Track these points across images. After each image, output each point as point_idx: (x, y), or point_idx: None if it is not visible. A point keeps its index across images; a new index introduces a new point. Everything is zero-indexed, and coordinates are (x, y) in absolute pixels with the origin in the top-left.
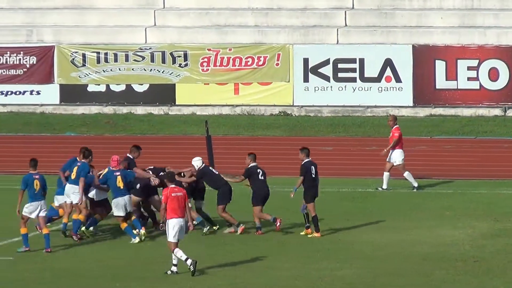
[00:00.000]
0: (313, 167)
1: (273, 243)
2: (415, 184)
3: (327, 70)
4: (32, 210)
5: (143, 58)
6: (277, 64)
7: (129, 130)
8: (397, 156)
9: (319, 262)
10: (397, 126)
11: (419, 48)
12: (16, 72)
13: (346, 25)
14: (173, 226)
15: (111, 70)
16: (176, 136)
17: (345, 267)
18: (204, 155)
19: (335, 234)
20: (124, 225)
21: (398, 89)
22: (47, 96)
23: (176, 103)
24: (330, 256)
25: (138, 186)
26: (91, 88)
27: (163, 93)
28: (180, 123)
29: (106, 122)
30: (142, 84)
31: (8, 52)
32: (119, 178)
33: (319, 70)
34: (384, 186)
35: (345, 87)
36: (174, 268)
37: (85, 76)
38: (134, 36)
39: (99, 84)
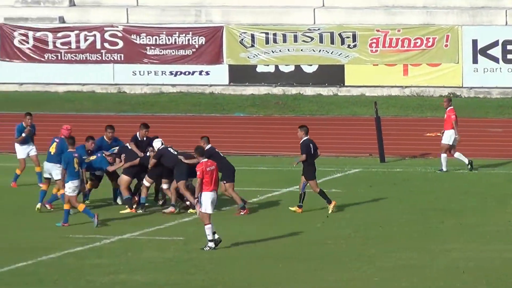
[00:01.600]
0: (311, 144)
1: (445, 226)
2: (444, 169)
3: (496, 52)
4: (74, 188)
5: (312, 39)
6: (446, 45)
7: (298, 111)
8: (447, 136)
9: (489, 244)
10: (452, 107)
11: None
12: (185, 53)
13: None
14: (208, 198)
15: (280, 50)
16: (345, 117)
17: None
18: (371, 136)
19: (505, 216)
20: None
21: None
22: (216, 77)
23: (345, 84)
24: (499, 238)
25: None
26: (260, 68)
27: (332, 74)
28: (349, 104)
29: (275, 102)
30: (311, 65)
31: (177, 33)
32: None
33: (488, 52)
34: (465, 165)
35: None
36: (211, 244)
37: (254, 56)
38: (302, 16)
39: (268, 65)
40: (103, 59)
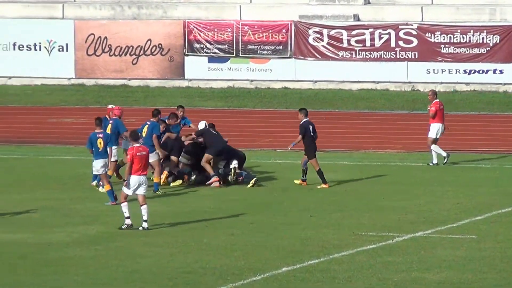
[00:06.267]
0: (310, 126)
1: None
2: (434, 161)
3: None
4: (99, 167)
5: None
6: None
7: None
8: (431, 130)
9: None
10: (437, 100)
11: None
12: (479, 51)
13: None
14: (134, 182)
15: None
16: None
17: None
18: None
19: None
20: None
21: None
22: (511, 75)
23: None
24: None
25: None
26: None
27: None
28: None
29: None
30: None
31: (472, 31)
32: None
33: None
34: (434, 161)
35: None
36: (127, 221)
37: None
38: None
39: None
40: (397, 57)
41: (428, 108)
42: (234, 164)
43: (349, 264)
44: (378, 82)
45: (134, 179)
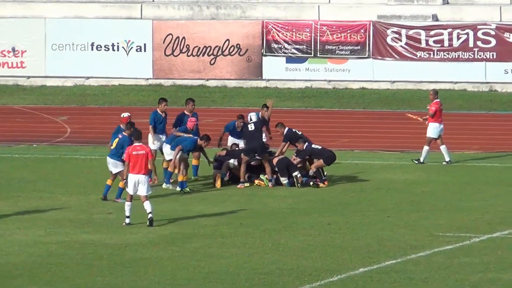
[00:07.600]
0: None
1: None
2: (447, 159)
3: None
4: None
5: None
6: None
7: None
8: (430, 130)
9: None
10: (437, 100)
11: None
12: None
13: None
14: (131, 180)
15: None
16: None
17: None
18: None
19: None
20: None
21: None
22: None
23: None
24: None
25: None
26: None
27: None
28: None
29: None
30: None
31: None
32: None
33: None
34: (446, 159)
35: None
36: (127, 220)
37: None
38: None
39: None
40: (476, 57)
41: (428, 107)
42: (296, 173)
43: (426, 264)
44: (456, 83)
45: (130, 178)
